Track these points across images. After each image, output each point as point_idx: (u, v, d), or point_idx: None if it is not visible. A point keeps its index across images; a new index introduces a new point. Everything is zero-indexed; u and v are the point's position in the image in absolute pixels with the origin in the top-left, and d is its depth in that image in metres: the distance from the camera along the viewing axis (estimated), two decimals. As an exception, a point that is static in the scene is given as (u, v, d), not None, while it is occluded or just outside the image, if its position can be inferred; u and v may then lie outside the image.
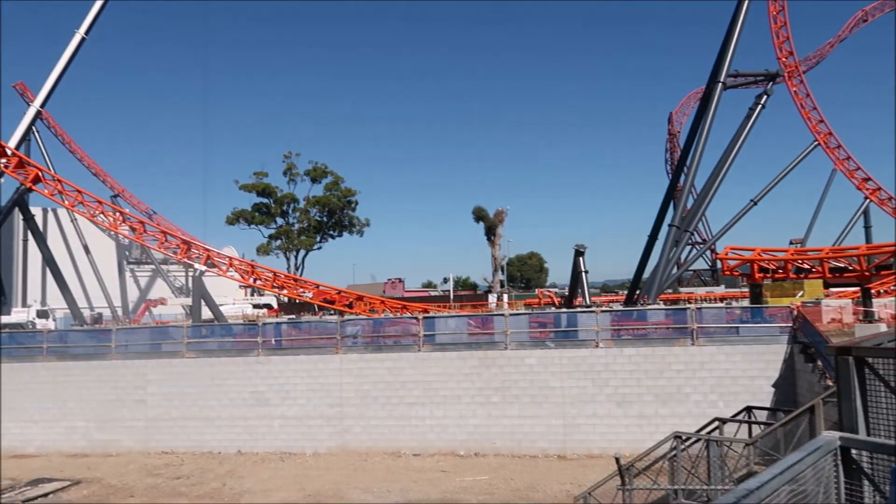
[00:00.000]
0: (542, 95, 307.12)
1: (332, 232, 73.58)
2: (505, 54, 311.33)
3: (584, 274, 37.66)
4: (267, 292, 57.22)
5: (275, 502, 19.29)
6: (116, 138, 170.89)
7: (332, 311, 42.45)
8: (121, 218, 44.61)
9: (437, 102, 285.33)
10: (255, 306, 65.23)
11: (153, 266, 73.24)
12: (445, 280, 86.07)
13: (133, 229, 44.09)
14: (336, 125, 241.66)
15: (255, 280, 44.87)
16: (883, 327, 19.40)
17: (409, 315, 33.72)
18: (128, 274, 71.85)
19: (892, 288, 43.52)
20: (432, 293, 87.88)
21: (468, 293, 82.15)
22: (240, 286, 61.02)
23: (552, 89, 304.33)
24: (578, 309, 30.18)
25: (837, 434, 4.63)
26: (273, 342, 27.06)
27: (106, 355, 27.46)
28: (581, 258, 37.81)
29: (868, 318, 25.26)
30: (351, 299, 43.34)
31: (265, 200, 70.64)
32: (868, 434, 4.97)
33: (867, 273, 29.27)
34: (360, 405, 24.53)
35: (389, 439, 23.97)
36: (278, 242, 69.64)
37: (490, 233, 70.07)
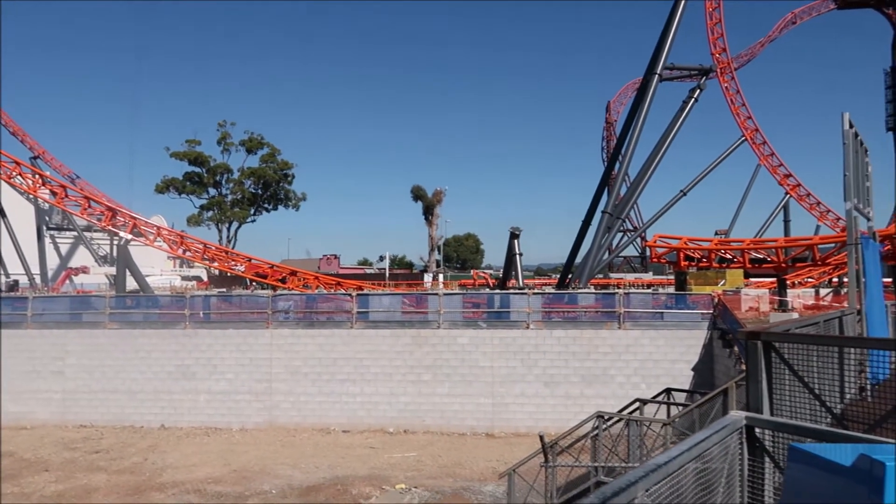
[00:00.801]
0: (484, 78, 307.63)
1: (266, 205, 72.15)
2: (448, 40, 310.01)
3: (518, 256, 38.19)
4: (197, 264, 55.68)
5: (198, 477, 18.97)
6: (37, 96, 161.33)
7: (264, 286, 41.73)
8: (40, 181, 42.38)
9: (380, 79, 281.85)
10: (184, 278, 63.47)
11: (75, 233, 70.12)
12: (381, 258, 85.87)
13: (54, 193, 41.95)
14: (275, 98, 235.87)
15: (184, 251, 43.53)
16: (795, 316, 20.53)
17: (343, 292, 33.51)
18: (47, 240, 68.50)
19: (806, 280, 45.96)
20: (368, 271, 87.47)
21: (404, 272, 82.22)
22: (168, 257, 59.24)
23: (494, 73, 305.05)
24: (511, 291, 30.65)
25: (744, 414, 4.89)
26: (201, 315, 26.44)
27: (21, 324, 26.24)
28: (516, 241, 38.30)
29: (782, 307, 26.64)
30: (284, 274, 42.67)
31: (197, 170, 68.58)
32: (772, 414, 5.26)
33: (784, 265, 30.83)
34: (290, 381, 24.31)
35: (319, 415, 23.88)
36: (210, 213, 67.86)
37: (428, 212, 70.17)
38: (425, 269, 70.19)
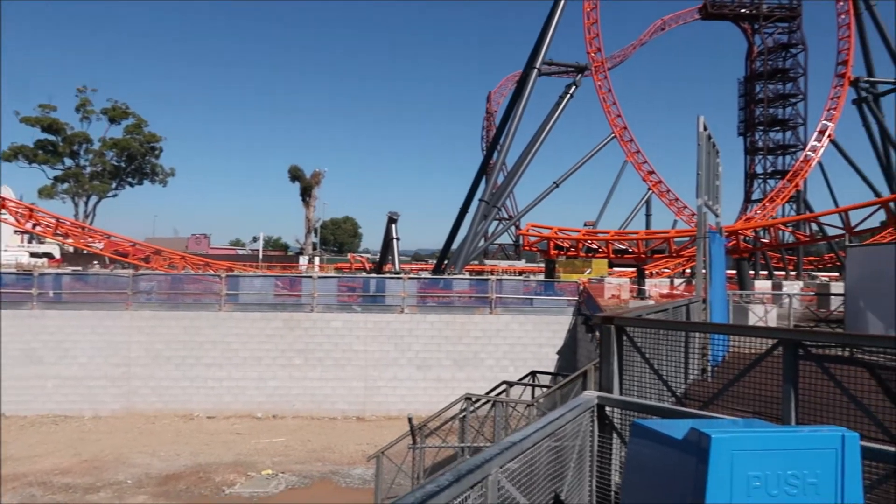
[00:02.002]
0: (368, 63, 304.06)
1: (130, 179, 67.53)
2: (332, 22, 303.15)
3: (395, 241, 38.24)
4: (48, 240, 51.24)
5: (43, 468, 17.54)
6: None
7: (125, 265, 39.12)
8: None
9: (259, 56, 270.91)
10: (33, 255, 58.21)
11: None
12: (255, 239, 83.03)
13: None
14: (144, 67, 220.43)
15: (33, 226, 39.88)
16: (652, 303, 22.06)
17: (213, 273, 32.08)
18: None
19: (663, 270, 49.43)
20: (240, 252, 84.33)
21: (279, 254, 80.00)
22: (15, 231, 53.99)
23: (377, 58, 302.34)
24: (387, 275, 30.65)
25: (596, 393, 5.16)
26: (51, 295, 24.36)
27: None
28: (394, 225, 38.32)
29: (641, 295, 28.52)
30: (148, 253, 40.26)
31: (52, 137, 62.86)
32: (621, 393, 5.58)
33: (643, 255, 32.95)
34: (152, 365, 23.00)
35: (182, 401, 22.78)
36: (66, 186, 62.52)
37: (305, 193, 68.60)
38: (301, 252, 68.68)
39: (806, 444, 3.18)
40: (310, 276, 26.39)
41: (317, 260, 61.92)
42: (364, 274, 43.39)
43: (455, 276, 31.86)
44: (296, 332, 23.28)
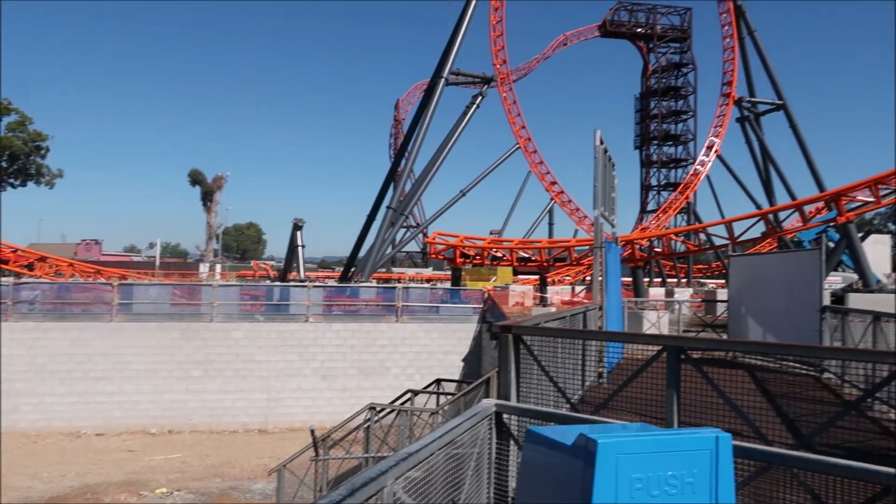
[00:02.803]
0: (274, 66, 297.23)
1: (12, 180, 62.81)
2: (238, 24, 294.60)
3: (300, 248, 37.52)
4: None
5: None
6: None
7: (5, 273, 36.34)
8: None
9: (160, 53, 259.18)
10: None
11: None
12: (151, 245, 79.26)
13: None
14: (27, 59, 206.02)
15: None
16: (553, 310, 22.73)
17: (104, 281, 30.34)
18: None
19: (564, 277, 51.04)
20: (135, 259, 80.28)
21: (177, 261, 76.76)
22: None
23: (284, 61, 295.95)
24: (291, 283, 30.04)
25: (494, 401, 5.26)
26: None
27: None
28: (299, 232, 37.59)
29: (543, 302, 29.32)
30: (31, 260, 37.59)
31: (-81, 133, 57.64)
32: (518, 401, 5.71)
33: (546, 264, 33.89)
34: (34, 380, 21.42)
35: (67, 418, 21.35)
36: (-65, 186, 57.41)
37: (207, 198, 66.20)
38: (201, 259, 66.12)
39: (683, 446, 3.37)
40: (210, 285, 25.46)
41: (218, 267, 59.77)
42: (268, 282, 42.28)
43: (362, 285, 31.64)
44: (194, 343, 22.36)
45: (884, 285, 38.30)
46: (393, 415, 13.60)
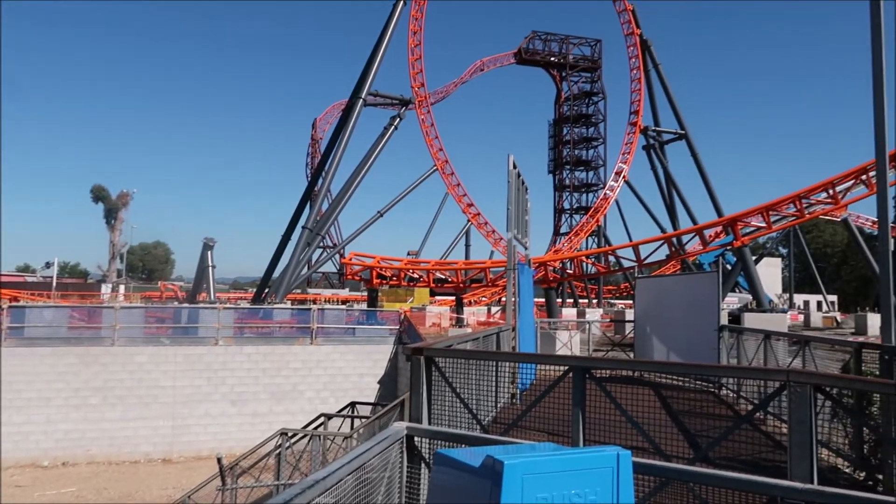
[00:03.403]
0: (183, 79, 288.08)
1: None
2: (161, 35, 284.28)
3: (211, 268, 36.34)
4: None
5: None
6: None
7: None
8: None
9: (57, 64, 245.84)
10: None
11: None
12: (48, 265, 74.44)
13: None
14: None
15: None
16: (469, 331, 22.93)
17: (-8, 303, 28.28)
18: None
19: (481, 298, 51.63)
20: (29, 279, 75.15)
21: (77, 281, 72.51)
22: None
23: (196, 74, 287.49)
24: (200, 305, 28.99)
25: (405, 424, 5.24)
26: None
27: None
28: (210, 252, 36.43)
29: (459, 323, 29.55)
30: None
31: None
32: (431, 423, 5.72)
33: (462, 285, 34.21)
34: None
35: (-54, 453, 19.65)
36: None
37: (111, 216, 63.16)
38: (104, 279, 62.81)
39: (586, 464, 3.48)
40: (112, 307, 24.18)
41: (121, 288, 56.90)
42: (176, 303, 40.59)
43: (275, 306, 30.91)
44: (93, 369, 21.13)
45: (775, 305, 40.87)
46: (306, 440, 13.27)
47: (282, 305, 31.93)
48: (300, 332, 23.76)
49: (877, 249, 10.96)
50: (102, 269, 66.14)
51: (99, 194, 63.21)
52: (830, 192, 30.60)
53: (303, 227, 40.41)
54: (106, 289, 56.11)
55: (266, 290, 40.05)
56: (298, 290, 57.35)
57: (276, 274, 41.40)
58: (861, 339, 27.67)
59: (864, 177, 29.97)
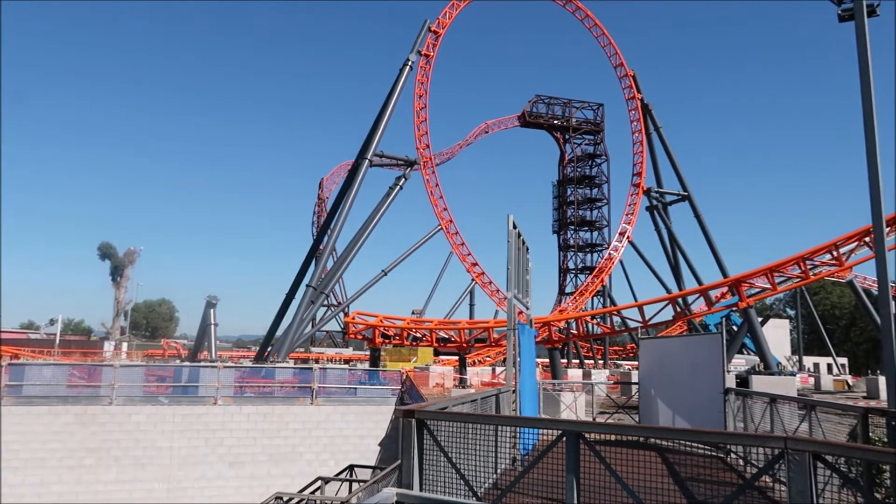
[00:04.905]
0: (190, 138, 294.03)
1: None
2: (162, 103, 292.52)
3: (213, 326, 36.24)
4: None
5: None
6: None
7: None
8: None
9: (58, 123, 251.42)
10: None
11: None
12: (52, 322, 74.38)
13: None
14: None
15: None
16: (473, 391, 22.58)
17: (-7, 360, 28.17)
18: None
19: (485, 358, 51.11)
20: (33, 336, 74.98)
21: (80, 339, 72.34)
22: None
23: (203, 134, 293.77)
24: (201, 363, 28.77)
25: (395, 490, 5.09)
26: None
27: None
28: (212, 310, 36.40)
29: (462, 384, 29.16)
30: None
31: None
32: (422, 489, 5.56)
33: (466, 344, 33.92)
34: None
35: (-66, 516, 19.20)
36: None
37: (117, 273, 63.47)
38: (107, 337, 62.62)
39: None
40: (111, 364, 24.00)
41: (124, 346, 56.63)
42: (177, 362, 40.30)
43: (277, 365, 30.65)
44: (90, 429, 20.81)
45: (783, 367, 40.23)
46: (301, 504, 12.94)
47: (283, 364, 31.64)
48: (301, 391, 23.45)
49: (881, 311, 10.87)
50: (106, 326, 65.99)
51: (106, 251, 63.70)
52: (834, 253, 30.53)
53: (307, 286, 40.43)
54: (109, 346, 55.87)
55: (269, 349, 39.78)
56: (302, 349, 56.97)
57: (280, 332, 41.21)
58: (872, 403, 27.11)
59: (867, 238, 29.94)
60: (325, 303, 53.52)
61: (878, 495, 6.99)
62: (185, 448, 21.31)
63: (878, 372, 44.53)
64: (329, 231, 44.08)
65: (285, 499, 12.69)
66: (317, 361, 47.68)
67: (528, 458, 10.42)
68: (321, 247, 45.35)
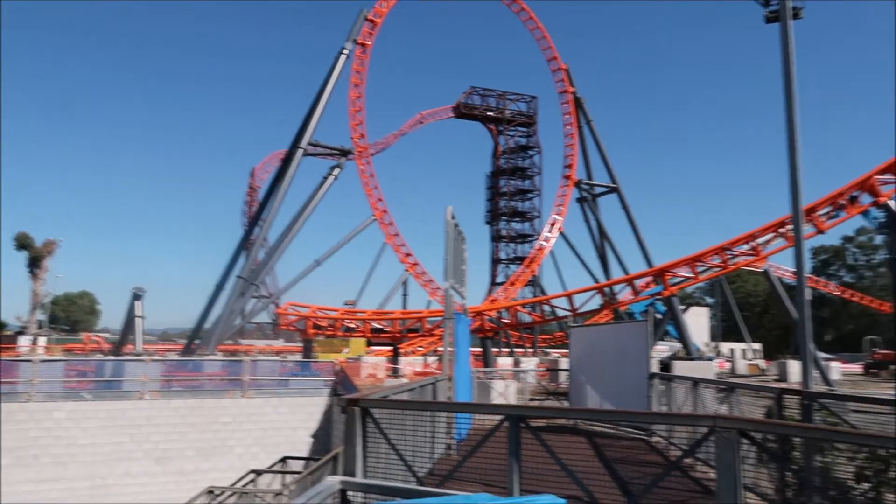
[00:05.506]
0: (114, 126, 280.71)
1: None
2: (89, 89, 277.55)
3: (139, 319, 34.99)
4: None
5: None
6: None
7: None
8: None
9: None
10: None
11: None
12: (-41, 315, 70.14)
13: None
14: None
15: None
16: (406, 381, 22.68)
17: None
18: None
19: (418, 348, 51.30)
20: (-63, 331, 70.47)
21: (-9, 333, 68.31)
22: None
23: (125, 120, 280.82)
24: (126, 357, 27.79)
25: (339, 478, 5.13)
26: None
27: None
28: (138, 302, 35.14)
29: (396, 373, 29.24)
30: None
31: None
32: (365, 476, 5.62)
33: (399, 334, 33.99)
34: None
35: None
36: None
37: (34, 265, 60.19)
38: (23, 331, 59.44)
39: (519, 513, 3.50)
40: (29, 360, 22.88)
41: (42, 340, 53.84)
42: (99, 356, 38.75)
43: (206, 358, 29.91)
44: (6, 427, 19.79)
45: (703, 353, 42.15)
46: (234, 498, 12.75)
47: (212, 357, 30.91)
48: (231, 384, 23.00)
49: (796, 299, 11.58)
50: (21, 319, 62.60)
51: (22, 242, 60.24)
52: (752, 244, 32.17)
53: (238, 277, 39.54)
54: (25, 340, 53.02)
55: (197, 342, 38.74)
56: (230, 342, 55.67)
57: (209, 324, 40.17)
58: (783, 385, 28.80)
59: (782, 230, 31.68)
60: (256, 294, 52.46)
61: (793, 467, 7.50)
62: (109, 445, 20.57)
63: (789, 356, 47.26)
64: (261, 221, 43.20)
65: (217, 492, 12.48)
66: (246, 354, 46.75)
67: (461, 445, 10.61)
68: (252, 237, 44.40)
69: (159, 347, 57.06)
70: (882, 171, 31.01)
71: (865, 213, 32.03)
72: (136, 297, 35.51)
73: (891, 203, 30.58)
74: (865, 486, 6.35)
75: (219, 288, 40.76)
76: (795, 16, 12.42)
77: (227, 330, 38.94)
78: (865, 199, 31.40)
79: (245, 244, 44.19)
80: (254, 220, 47.32)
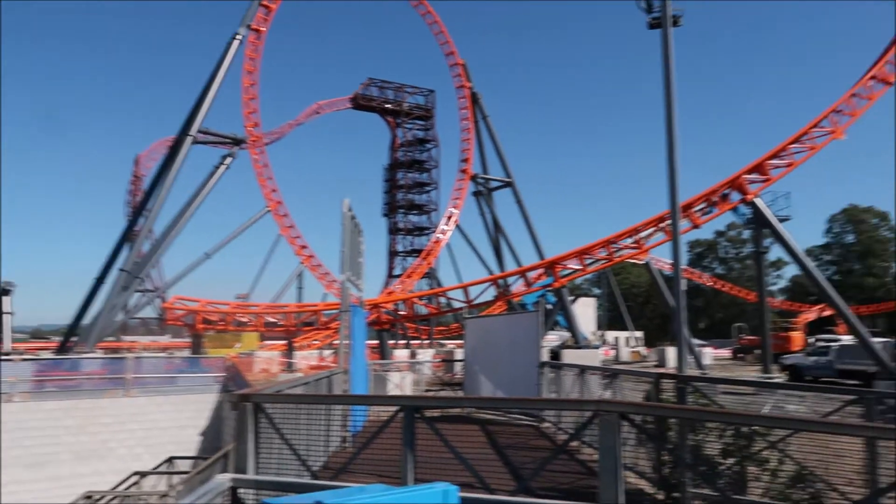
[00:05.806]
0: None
1: None
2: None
3: (7, 316, 32.34)
4: None
5: None
6: None
7: None
8: None
9: None
10: None
11: None
12: None
13: None
14: None
15: None
16: (300, 375, 22.31)
17: None
18: None
19: (313, 342, 50.53)
20: None
21: None
22: None
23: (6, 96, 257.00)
24: (-8, 356, 25.62)
25: (229, 476, 5.01)
26: None
27: None
28: (6, 297, 32.46)
29: (290, 368, 28.70)
30: None
31: None
32: (257, 473, 5.51)
33: (294, 328, 33.35)
34: None
35: None
36: None
37: None
38: None
39: (414, 501, 3.57)
40: None
41: None
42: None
43: (85, 356, 28.11)
44: None
45: (590, 342, 44.15)
46: (116, 502, 12.11)
47: (92, 355, 29.08)
48: (113, 383, 21.76)
49: (673, 290, 12.36)
50: None
51: None
52: (635, 238, 33.96)
53: (120, 270, 37.30)
54: None
55: (73, 339, 36.28)
56: (112, 339, 52.58)
57: (87, 321, 37.68)
58: (661, 370, 30.69)
59: (662, 224, 33.64)
60: (140, 288, 49.74)
61: (668, 446, 8.04)
62: (-29, 452, 18.94)
63: (668, 343, 50.37)
64: (146, 211, 40.88)
65: (96, 497, 11.81)
66: (129, 351, 44.34)
67: (357, 437, 10.61)
68: (136, 228, 41.97)
69: (30, 346, 53.13)
70: (750, 171, 33.60)
71: (735, 210, 34.59)
72: (4, 292, 32.77)
73: (757, 200, 33.21)
74: (731, 460, 6.92)
75: (99, 281, 38.27)
76: (675, 23, 13.22)
77: (108, 326, 36.68)
78: (735, 196, 33.91)
79: (129, 235, 41.68)
80: (138, 210, 44.69)
